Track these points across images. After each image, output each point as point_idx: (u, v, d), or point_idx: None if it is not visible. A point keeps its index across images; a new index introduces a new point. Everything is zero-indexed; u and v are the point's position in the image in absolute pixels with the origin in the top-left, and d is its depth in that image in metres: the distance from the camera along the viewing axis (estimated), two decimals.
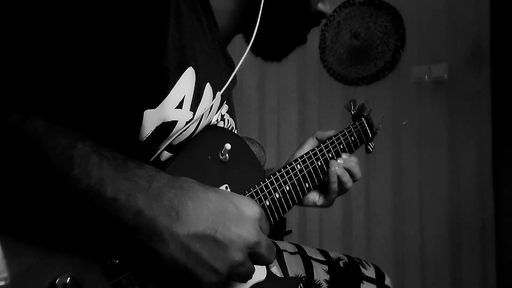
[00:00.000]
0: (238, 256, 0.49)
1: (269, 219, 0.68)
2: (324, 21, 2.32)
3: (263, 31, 0.69)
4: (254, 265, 0.52)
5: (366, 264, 0.98)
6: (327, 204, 0.89)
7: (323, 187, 0.88)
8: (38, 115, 0.43)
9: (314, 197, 0.89)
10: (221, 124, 0.72)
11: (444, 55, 2.07)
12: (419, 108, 2.10)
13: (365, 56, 2.25)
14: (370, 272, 0.96)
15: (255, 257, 0.51)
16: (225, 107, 0.75)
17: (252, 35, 0.67)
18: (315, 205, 0.89)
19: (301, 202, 0.87)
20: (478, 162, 1.97)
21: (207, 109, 0.61)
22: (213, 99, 0.62)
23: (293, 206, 0.74)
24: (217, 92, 0.63)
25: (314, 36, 2.35)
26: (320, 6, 0.76)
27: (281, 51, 0.79)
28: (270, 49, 0.77)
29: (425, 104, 2.09)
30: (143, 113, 0.52)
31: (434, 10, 2.10)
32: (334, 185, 0.85)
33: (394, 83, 2.18)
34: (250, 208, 0.52)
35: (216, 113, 0.67)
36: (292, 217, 2.30)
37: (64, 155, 0.42)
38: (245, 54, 0.64)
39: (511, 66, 1.92)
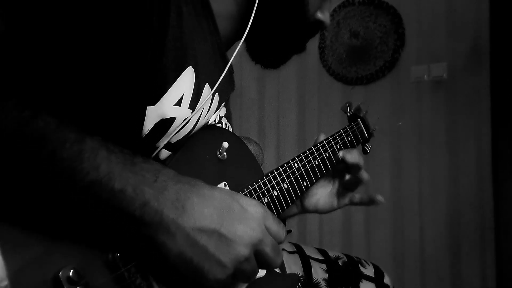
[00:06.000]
0: (243, 251, 0.49)
1: None
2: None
3: (260, 37, 0.70)
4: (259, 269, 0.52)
5: (365, 263, 0.99)
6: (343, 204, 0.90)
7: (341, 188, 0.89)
8: (48, 112, 0.44)
9: (332, 202, 0.89)
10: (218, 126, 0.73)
11: (443, 55, 2.07)
12: (419, 108, 2.10)
13: (364, 56, 2.25)
14: (369, 271, 0.97)
15: (260, 256, 0.52)
16: (223, 110, 0.76)
17: (252, 41, 0.69)
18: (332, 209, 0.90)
19: (319, 209, 0.89)
20: (478, 162, 1.97)
21: (206, 104, 0.61)
22: (211, 100, 0.62)
23: (291, 203, 0.74)
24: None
25: None
26: (319, 15, 0.75)
27: (278, 58, 0.79)
28: (267, 56, 0.78)
29: (425, 104, 2.09)
30: (146, 109, 0.53)
31: (434, 10, 2.10)
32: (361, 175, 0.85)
33: (394, 82, 2.18)
34: (254, 208, 0.52)
35: (214, 113, 0.67)
36: None
37: (73, 149, 0.43)
38: (238, 47, 0.65)
39: (510, 65, 1.92)
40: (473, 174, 1.97)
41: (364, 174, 0.85)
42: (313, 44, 2.36)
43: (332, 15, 2.33)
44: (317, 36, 2.35)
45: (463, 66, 2.03)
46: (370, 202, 0.86)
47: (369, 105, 1.01)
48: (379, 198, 0.85)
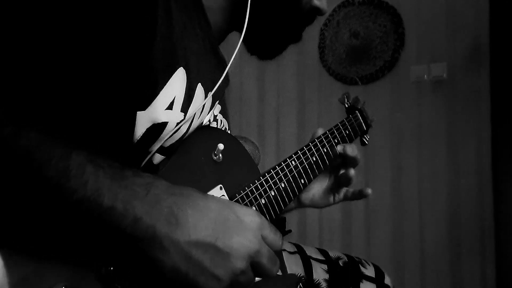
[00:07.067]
0: (240, 264, 0.48)
1: (265, 218, 0.68)
2: (323, 20, 2.32)
3: (254, 27, 0.67)
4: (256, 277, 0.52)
5: (366, 263, 0.98)
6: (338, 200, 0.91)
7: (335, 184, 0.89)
8: (31, 127, 0.43)
9: (328, 198, 0.89)
10: (214, 124, 0.71)
11: (443, 55, 2.07)
12: (419, 108, 2.10)
13: (364, 56, 2.24)
14: (369, 271, 0.96)
15: (256, 267, 0.51)
16: (217, 107, 0.74)
17: (247, 32, 0.66)
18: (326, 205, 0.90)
19: (317, 204, 0.89)
20: (478, 162, 1.97)
21: (199, 109, 0.60)
22: (204, 100, 0.61)
23: (289, 203, 0.73)
24: (209, 93, 0.61)
25: (313, 35, 2.35)
26: (315, 1, 0.73)
27: (273, 48, 0.77)
28: (263, 46, 0.76)
29: (425, 104, 2.09)
30: (136, 114, 0.52)
31: (434, 10, 2.10)
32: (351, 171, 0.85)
33: (394, 82, 2.18)
34: (250, 218, 0.51)
35: (208, 113, 0.66)
36: (292, 216, 2.29)
37: (59, 166, 0.42)
38: (237, 49, 0.63)
39: (510, 65, 1.92)
40: (473, 174, 1.97)
41: (351, 171, 0.85)
42: (313, 44, 2.36)
43: (331, 15, 2.33)
44: (317, 36, 2.35)
45: (463, 66, 2.03)
46: (360, 195, 0.88)
47: (364, 102, 1.00)
48: (368, 191, 0.87)
